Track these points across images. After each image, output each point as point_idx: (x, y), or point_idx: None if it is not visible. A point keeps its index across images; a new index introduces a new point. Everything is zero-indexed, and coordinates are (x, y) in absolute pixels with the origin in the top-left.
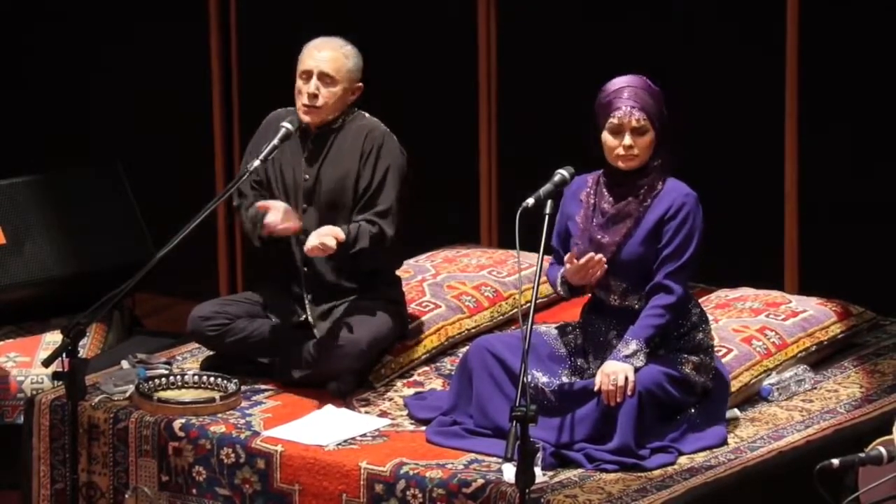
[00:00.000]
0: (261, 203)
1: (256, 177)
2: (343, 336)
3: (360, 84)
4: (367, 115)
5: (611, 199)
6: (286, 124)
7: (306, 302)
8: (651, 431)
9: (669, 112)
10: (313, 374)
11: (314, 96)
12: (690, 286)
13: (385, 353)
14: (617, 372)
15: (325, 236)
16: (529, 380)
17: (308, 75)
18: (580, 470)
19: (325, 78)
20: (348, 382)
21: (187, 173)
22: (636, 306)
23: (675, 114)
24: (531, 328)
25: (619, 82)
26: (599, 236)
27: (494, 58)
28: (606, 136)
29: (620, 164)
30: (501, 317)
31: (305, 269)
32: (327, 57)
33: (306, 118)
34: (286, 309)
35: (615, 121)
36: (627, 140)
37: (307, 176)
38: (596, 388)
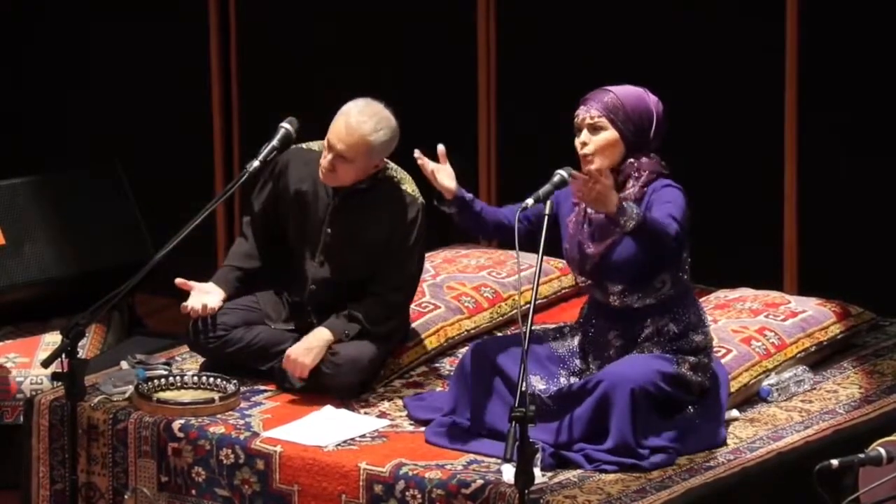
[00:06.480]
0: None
1: (263, 213)
2: (345, 355)
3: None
4: (397, 175)
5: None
6: (285, 125)
7: (313, 319)
8: (649, 429)
9: (663, 125)
10: (315, 385)
11: (332, 169)
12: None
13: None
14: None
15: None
16: (527, 386)
17: (330, 147)
18: (579, 471)
19: (340, 157)
20: (350, 393)
21: (187, 173)
22: (636, 305)
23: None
24: (530, 329)
25: (604, 87)
26: (585, 246)
27: (494, 57)
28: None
29: (584, 167)
30: (501, 318)
31: (314, 287)
32: (351, 143)
33: (325, 181)
34: (287, 316)
35: (576, 121)
36: (582, 137)
37: (329, 230)
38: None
